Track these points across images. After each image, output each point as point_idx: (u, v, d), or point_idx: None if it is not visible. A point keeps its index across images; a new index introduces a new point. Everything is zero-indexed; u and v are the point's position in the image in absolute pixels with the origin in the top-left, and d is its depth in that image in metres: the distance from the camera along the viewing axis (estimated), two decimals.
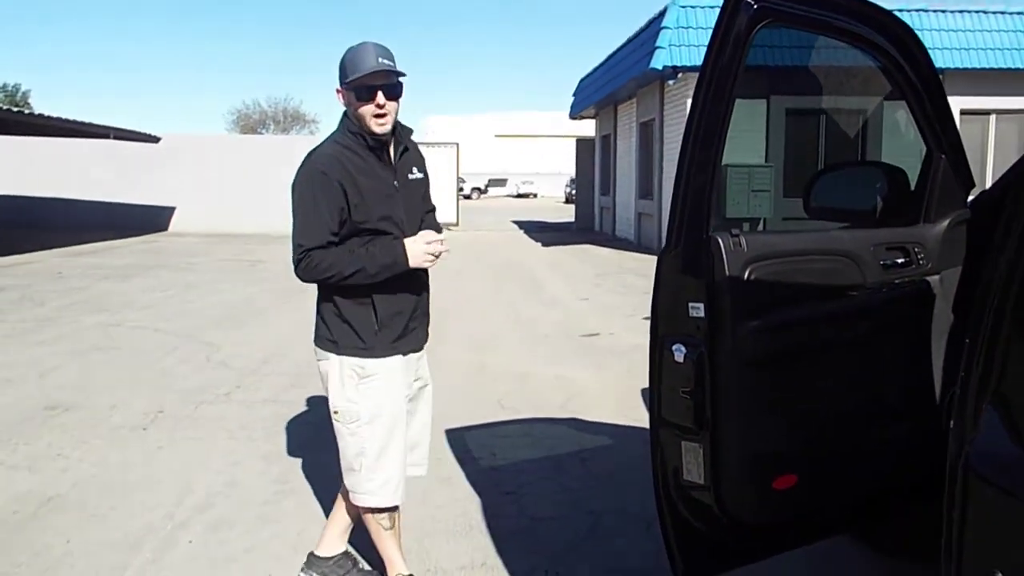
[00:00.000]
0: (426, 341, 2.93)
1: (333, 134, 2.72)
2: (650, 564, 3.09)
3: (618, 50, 18.30)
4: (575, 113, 23.94)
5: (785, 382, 2.21)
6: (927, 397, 2.51)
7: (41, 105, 60.58)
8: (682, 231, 2.12)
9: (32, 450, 4.47)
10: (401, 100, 2.65)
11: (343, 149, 2.64)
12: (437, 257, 2.72)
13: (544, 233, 22.58)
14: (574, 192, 28.55)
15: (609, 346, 7.34)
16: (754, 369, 2.13)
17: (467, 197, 46.88)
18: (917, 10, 13.82)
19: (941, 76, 2.65)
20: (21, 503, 3.73)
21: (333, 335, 2.71)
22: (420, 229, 2.75)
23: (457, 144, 24.24)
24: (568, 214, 29.22)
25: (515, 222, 28.25)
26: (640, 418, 5.03)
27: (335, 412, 2.73)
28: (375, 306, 2.69)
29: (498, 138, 70.22)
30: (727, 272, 2.10)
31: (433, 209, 2.97)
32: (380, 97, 2.57)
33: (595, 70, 20.98)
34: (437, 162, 23.45)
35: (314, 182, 2.59)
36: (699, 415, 2.10)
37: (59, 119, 17.00)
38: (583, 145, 25.23)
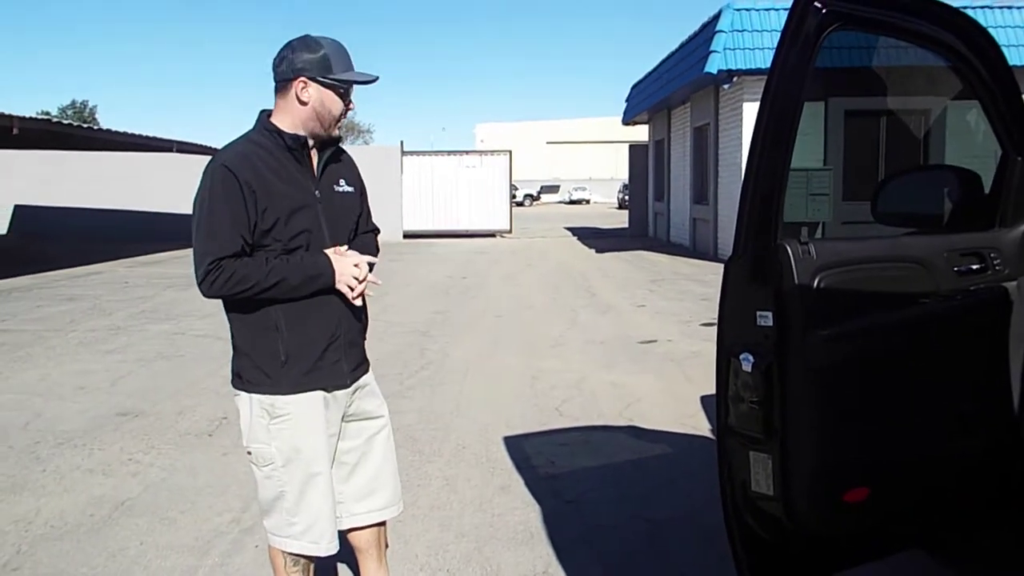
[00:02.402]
0: (359, 375, 2.55)
1: (246, 132, 2.43)
2: None
3: (671, 54, 18.17)
4: (628, 119, 23.84)
5: (856, 392, 2.16)
6: (1004, 407, 2.43)
7: (107, 120, 62.79)
8: (749, 238, 2.09)
9: (106, 455, 4.62)
10: None
11: (255, 147, 2.35)
12: (361, 285, 2.40)
13: (598, 239, 22.51)
14: (627, 198, 28.43)
15: (667, 353, 7.28)
16: (824, 379, 2.09)
17: (520, 204, 46.98)
18: (982, 7, 13.42)
19: None
20: (97, 506, 3.86)
21: (239, 370, 2.43)
22: (350, 250, 2.46)
23: (509, 152, 24.34)
24: (621, 220, 29.10)
25: (568, 228, 28.22)
26: (699, 426, 4.98)
27: (248, 453, 2.48)
28: (281, 333, 2.35)
29: (550, 145, 70.37)
30: (796, 280, 2.06)
31: (373, 231, 2.66)
32: (352, 100, 2.43)
33: (648, 75, 20.86)
34: (490, 170, 23.63)
35: (218, 182, 2.28)
36: (768, 425, 2.07)
37: (125, 134, 17.58)
38: (636, 151, 25.09)
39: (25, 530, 3.60)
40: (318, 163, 2.45)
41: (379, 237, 2.75)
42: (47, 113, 47.45)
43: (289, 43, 2.40)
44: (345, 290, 2.39)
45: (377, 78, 2.45)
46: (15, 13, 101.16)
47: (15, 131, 13.43)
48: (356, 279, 2.39)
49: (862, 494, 2.20)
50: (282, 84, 2.39)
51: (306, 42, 2.37)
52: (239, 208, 2.27)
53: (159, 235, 21.39)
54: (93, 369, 6.83)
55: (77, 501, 3.93)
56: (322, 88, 2.36)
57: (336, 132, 2.44)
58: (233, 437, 4.90)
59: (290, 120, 2.39)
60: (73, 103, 57.19)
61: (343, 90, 2.39)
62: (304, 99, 2.36)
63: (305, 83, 2.35)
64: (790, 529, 2.19)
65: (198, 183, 2.35)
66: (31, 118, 14.31)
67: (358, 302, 2.45)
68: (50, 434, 5.00)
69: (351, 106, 2.44)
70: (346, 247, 2.46)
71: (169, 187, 22.10)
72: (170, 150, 20.12)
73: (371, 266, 2.50)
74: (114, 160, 22.29)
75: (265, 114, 2.44)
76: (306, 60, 2.35)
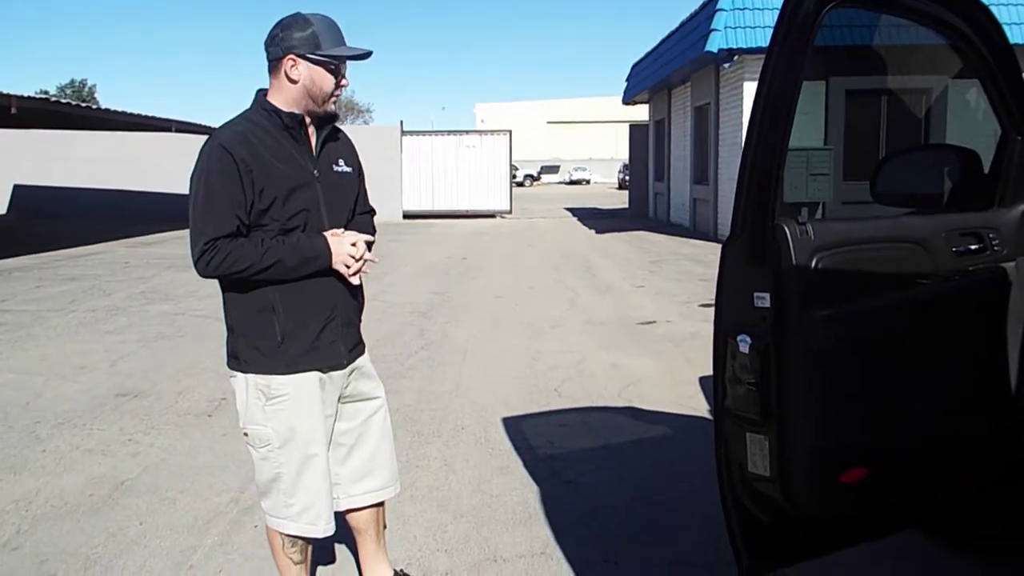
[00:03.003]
0: (355, 356, 2.55)
1: (244, 112, 2.43)
2: (712, 556, 3.06)
3: (672, 33, 18.05)
4: (628, 98, 23.71)
5: (853, 373, 2.16)
6: (1002, 387, 2.43)
7: (106, 99, 62.54)
8: (747, 219, 2.08)
9: (105, 435, 4.63)
10: None
11: (253, 126, 2.35)
12: (359, 264, 2.40)
13: (598, 220, 22.47)
14: (627, 178, 28.34)
15: (666, 334, 7.28)
16: (821, 360, 2.09)
17: (520, 184, 46.87)
18: None
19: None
20: (97, 486, 3.88)
21: (235, 350, 2.42)
22: (348, 230, 2.46)
23: (509, 132, 24.24)
24: (622, 200, 29.04)
25: (568, 209, 28.16)
26: (698, 407, 4.98)
27: (244, 435, 2.47)
28: (278, 314, 2.35)
29: (550, 125, 70.09)
30: (794, 261, 2.05)
31: (370, 212, 2.65)
32: (345, 76, 2.41)
33: (648, 54, 20.73)
34: (490, 150, 23.54)
35: (215, 161, 2.27)
36: (765, 407, 2.07)
37: (123, 113, 17.48)
38: (636, 130, 24.98)
39: (25, 510, 3.61)
40: (316, 142, 2.45)
41: (379, 218, 2.74)
42: (46, 92, 47.11)
43: (279, 21, 2.38)
44: (342, 269, 2.39)
45: (369, 53, 2.42)
46: None
47: (13, 111, 13.35)
48: (353, 258, 2.39)
49: (860, 474, 2.20)
50: (273, 63, 2.38)
51: (296, 20, 2.36)
52: (236, 188, 2.27)
53: (158, 215, 21.33)
54: (93, 349, 6.83)
55: (77, 481, 3.94)
56: (312, 65, 2.35)
57: (331, 108, 2.42)
58: (232, 417, 4.91)
59: (283, 98, 2.38)
60: (72, 82, 56.88)
61: (334, 66, 2.37)
62: (294, 77, 2.35)
63: (294, 61, 2.34)
64: (787, 510, 2.20)
65: (195, 161, 2.34)
66: (29, 97, 14.22)
67: (355, 281, 2.44)
68: (50, 414, 5.01)
69: (344, 82, 2.41)
70: (343, 229, 2.45)
71: (168, 167, 22.07)
72: (169, 130, 20.01)
73: (369, 245, 2.49)
74: (113, 140, 22.19)
75: (261, 93, 2.43)
76: (296, 38, 2.34)
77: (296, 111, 2.39)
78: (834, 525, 2.36)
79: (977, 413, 2.41)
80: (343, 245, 2.38)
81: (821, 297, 2.09)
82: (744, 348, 2.07)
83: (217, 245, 2.25)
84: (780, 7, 2.05)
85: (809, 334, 2.06)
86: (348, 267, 2.40)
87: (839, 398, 2.15)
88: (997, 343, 2.41)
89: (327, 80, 2.37)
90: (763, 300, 2.06)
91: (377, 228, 2.70)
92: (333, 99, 2.41)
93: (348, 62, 2.42)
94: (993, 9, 2.46)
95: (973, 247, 2.38)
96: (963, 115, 11.18)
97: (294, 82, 2.36)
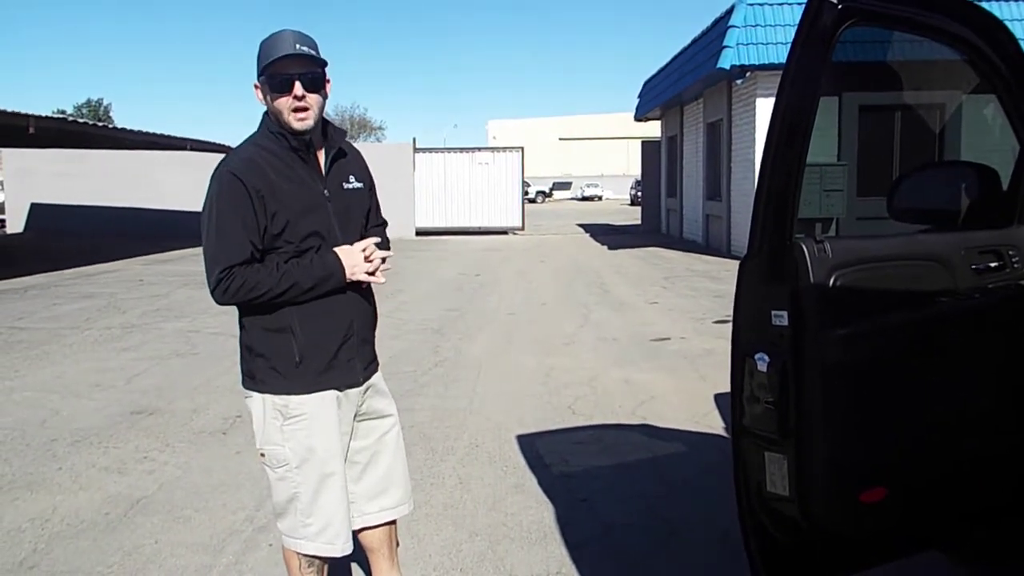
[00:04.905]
0: (371, 373, 2.55)
1: (252, 135, 2.41)
2: None
3: (684, 50, 18.09)
4: (640, 115, 23.76)
5: (872, 391, 2.14)
6: (1021, 405, 2.40)
7: (122, 118, 63.25)
8: (764, 237, 2.07)
9: (121, 453, 4.65)
10: (327, 95, 2.37)
11: (261, 151, 2.34)
12: (376, 271, 2.40)
13: (610, 236, 22.46)
14: (640, 194, 28.36)
15: (680, 350, 7.25)
16: (840, 378, 2.07)
17: (532, 201, 46.98)
18: None
19: None
20: (112, 504, 3.89)
21: (251, 370, 2.41)
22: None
23: (522, 148, 24.34)
24: (634, 216, 29.03)
25: (580, 225, 28.18)
26: (713, 424, 4.95)
27: (261, 455, 2.45)
28: (295, 333, 2.35)
29: (562, 141, 70.34)
30: (811, 279, 2.04)
31: (382, 224, 2.63)
32: (298, 88, 2.27)
33: (660, 71, 20.79)
34: (502, 167, 23.63)
35: (225, 188, 2.27)
36: (783, 425, 2.05)
37: (139, 132, 17.68)
38: (648, 147, 25.02)
39: (42, 528, 3.63)
40: (325, 161, 2.44)
41: (392, 235, 2.74)
42: (63, 112, 47.82)
43: None
44: (362, 277, 2.39)
45: (297, 51, 2.28)
46: (30, 12, 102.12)
47: (31, 130, 13.54)
48: (370, 261, 2.39)
49: (879, 494, 2.18)
50: None
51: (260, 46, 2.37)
52: (248, 214, 2.28)
53: (173, 233, 21.51)
54: (109, 367, 6.87)
55: (93, 499, 3.95)
56: (262, 86, 2.35)
57: (300, 123, 2.32)
58: (247, 435, 4.92)
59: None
60: (88, 101, 57.69)
61: (276, 79, 2.29)
62: (261, 101, 2.37)
63: (256, 87, 2.37)
64: (805, 530, 2.18)
65: (206, 188, 2.35)
66: (47, 117, 14.43)
67: (381, 279, 2.44)
68: (66, 432, 5.03)
69: (298, 93, 2.29)
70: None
71: (183, 185, 22.28)
72: (184, 148, 20.24)
73: (378, 246, 2.47)
74: (129, 158, 22.44)
75: (268, 116, 2.43)
76: (258, 65, 2.35)
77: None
78: (854, 545, 2.33)
79: (997, 431, 2.38)
80: (353, 256, 2.37)
81: (839, 315, 2.08)
82: (762, 366, 2.06)
83: (233, 272, 2.26)
84: (795, 24, 2.05)
85: (827, 352, 2.04)
86: (367, 273, 2.39)
87: (858, 417, 2.13)
88: (1017, 361, 2.38)
89: (274, 96, 2.31)
90: (781, 318, 2.05)
91: (391, 244, 2.69)
92: (296, 114, 2.31)
93: (313, 70, 2.30)
94: (1009, 25, 2.46)
95: (992, 265, 2.36)
96: (978, 131, 11.14)
97: (265, 106, 2.37)
